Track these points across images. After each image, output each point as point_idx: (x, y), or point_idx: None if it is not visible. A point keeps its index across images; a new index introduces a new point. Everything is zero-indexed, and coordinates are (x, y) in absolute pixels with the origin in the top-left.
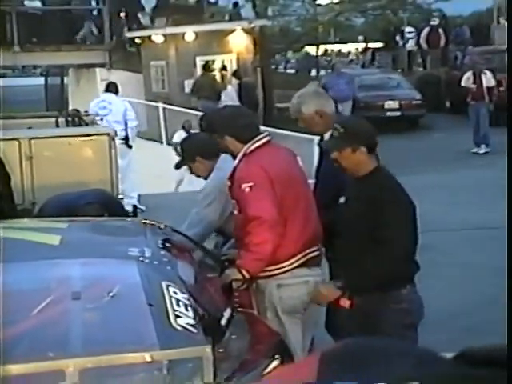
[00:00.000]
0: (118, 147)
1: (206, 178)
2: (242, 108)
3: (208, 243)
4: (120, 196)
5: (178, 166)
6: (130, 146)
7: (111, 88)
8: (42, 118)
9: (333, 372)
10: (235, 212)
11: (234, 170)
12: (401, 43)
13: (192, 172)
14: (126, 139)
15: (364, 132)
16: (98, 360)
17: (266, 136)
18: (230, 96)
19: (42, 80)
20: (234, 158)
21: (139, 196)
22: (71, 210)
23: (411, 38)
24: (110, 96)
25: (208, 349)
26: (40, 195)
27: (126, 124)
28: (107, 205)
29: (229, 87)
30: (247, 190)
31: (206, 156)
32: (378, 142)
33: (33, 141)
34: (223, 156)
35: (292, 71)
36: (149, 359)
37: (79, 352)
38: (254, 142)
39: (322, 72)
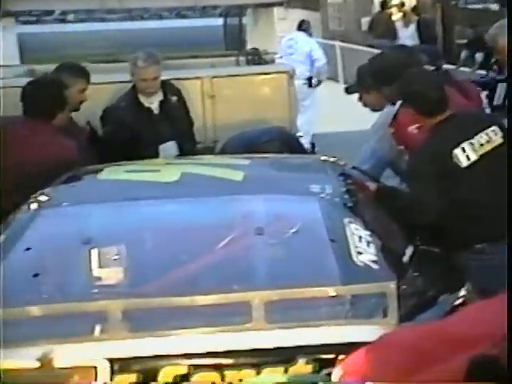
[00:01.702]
0: (300, 87)
1: (373, 111)
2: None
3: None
4: (299, 134)
5: (348, 91)
6: (312, 86)
7: (302, 26)
8: (222, 57)
9: None
10: (406, 157)
11: (395, 115)
12: None
13: (360, 99)
14: (309, 80)
15: None
16: (283, 293)
17: None
18: (410, 33)
19: (220, 21)
20: None
21: (313, 135)
22: (252, 147)
23: None
24: (299, 35)
25: (392, 285)
26: (221, 133)
27: (311, 64)
28: (287, 142)
29: (411, 26)
30: (415, 131)
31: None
32: None
33: (214, 79)
34: None
35: (474, 6)
36: (332, 294)
37: (264, 285)
38: None
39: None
